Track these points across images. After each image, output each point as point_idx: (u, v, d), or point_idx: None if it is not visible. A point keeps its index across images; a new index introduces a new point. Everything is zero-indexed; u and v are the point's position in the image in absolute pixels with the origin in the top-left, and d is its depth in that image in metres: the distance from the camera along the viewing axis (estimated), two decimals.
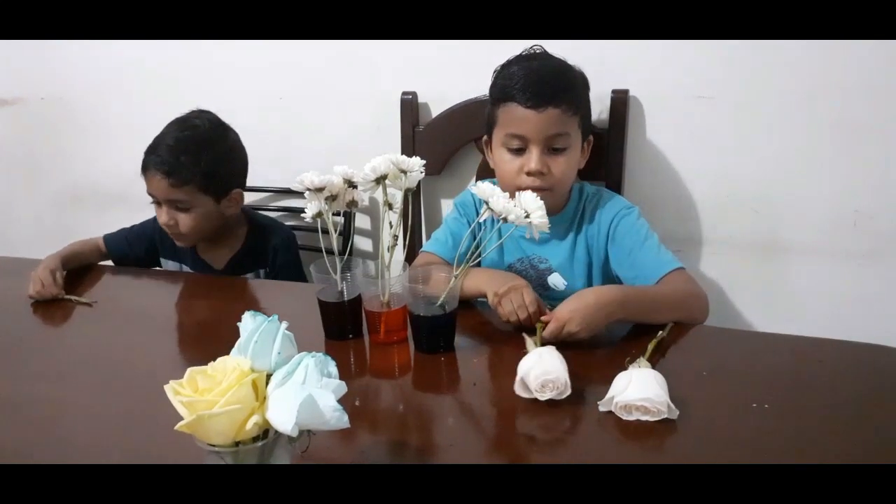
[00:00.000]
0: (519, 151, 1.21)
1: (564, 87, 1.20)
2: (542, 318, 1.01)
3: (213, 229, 1.46)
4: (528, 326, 1.02)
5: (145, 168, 1.39)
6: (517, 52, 1.28)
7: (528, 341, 0.98)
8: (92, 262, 1.49)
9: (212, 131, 1.44)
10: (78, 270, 1.44)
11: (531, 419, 0.88)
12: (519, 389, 0.90)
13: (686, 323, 1.09)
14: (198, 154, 1.38)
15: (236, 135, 1.49)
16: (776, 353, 1.02)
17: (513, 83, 1.20)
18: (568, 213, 1.29)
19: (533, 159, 1.19)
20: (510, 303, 1.04)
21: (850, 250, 1.36)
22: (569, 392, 0.88)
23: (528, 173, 1.19)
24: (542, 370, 0.88)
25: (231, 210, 1.47)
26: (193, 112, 1.47)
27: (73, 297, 1.30)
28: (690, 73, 1.36)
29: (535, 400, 0.88)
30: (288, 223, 1.76)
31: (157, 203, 1.41)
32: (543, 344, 0.96)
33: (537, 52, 1.28)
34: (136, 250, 1.53)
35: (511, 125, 1.20)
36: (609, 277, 1.28)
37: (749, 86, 1.33)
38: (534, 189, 1.16)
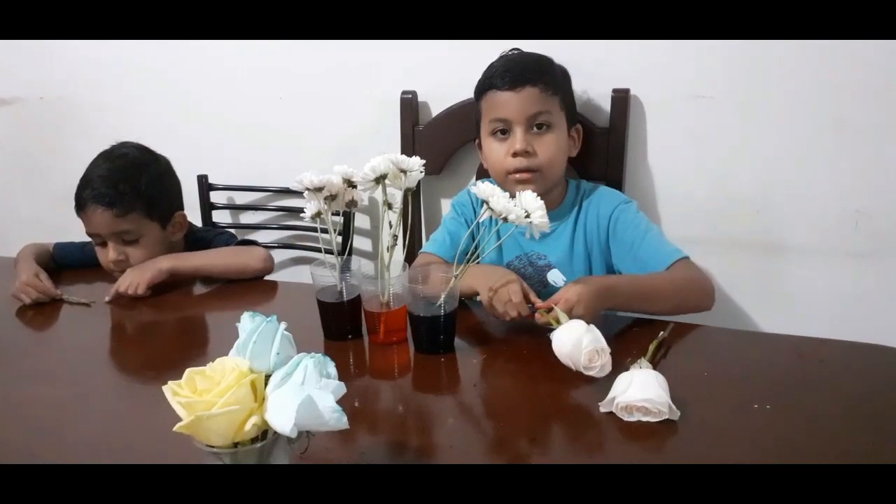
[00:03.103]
0: (504, 136, 1.23)
1: (541, 69, 1.24)
2: (541, 304, 1.00)
3: None
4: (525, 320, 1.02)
5: (82, 205, 1.33)
6: None
7: (554, 319, 0.97)
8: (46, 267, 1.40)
9: (142, 157, 1.39)
10: (76, 271, 1.44)
11: (531, 420, 0.88)
12: (566, 359, 0.92)
13: (691, 311, 1.10)
14: (135, 179, 1.33)
15: (166, 159, 1.44)
16: (776, 353, 1.02)
17: (492, 73, 1.25)
18: (565, 209, 1.30)
19: (517, 139, 1.21)
20: (500, 304, 1.03)
21: (850, 250, 1.36)
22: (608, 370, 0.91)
23: (514, 154, 1.21)
24: (592, 339, 0.90)
25: (177, 235, 1.43)
26: (116, 144, 1.41)
27: (71, 298, 1.30)
28: (691, 72, 1.36)
29: (535, 401, 0.87)
30: (287, 223, 1.77)
31: (101, 243, 1.36)
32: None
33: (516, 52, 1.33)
34: (88, 263, 1.42)
35: (493, 110, 1.24)
36: (611, 271, 1.28)
37: (749, 86, 1.33)
38: (521, 170, 1.19)
